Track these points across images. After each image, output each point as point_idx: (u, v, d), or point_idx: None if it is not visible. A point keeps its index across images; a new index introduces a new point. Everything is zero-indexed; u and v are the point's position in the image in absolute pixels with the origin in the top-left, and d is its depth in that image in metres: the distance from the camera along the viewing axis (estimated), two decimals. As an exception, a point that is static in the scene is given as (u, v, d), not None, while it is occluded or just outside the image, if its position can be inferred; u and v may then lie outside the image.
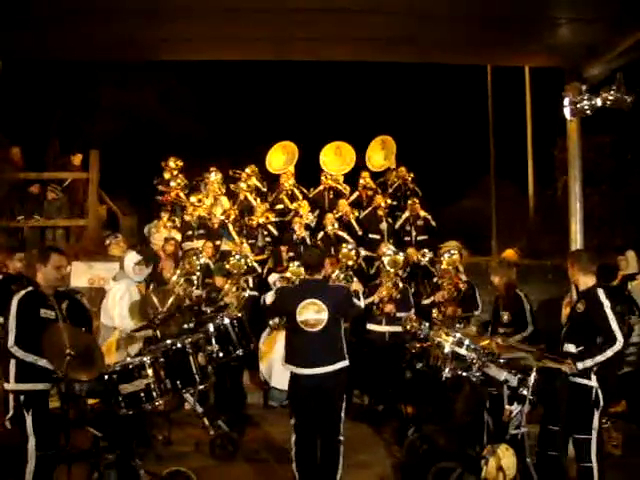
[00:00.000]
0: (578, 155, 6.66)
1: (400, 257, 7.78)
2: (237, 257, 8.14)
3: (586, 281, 4.95)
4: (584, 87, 5.73)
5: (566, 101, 5.80)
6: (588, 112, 5.56)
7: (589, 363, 4.68)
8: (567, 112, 5.82)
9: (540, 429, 5.06)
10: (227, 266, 8.01)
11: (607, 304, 4.76)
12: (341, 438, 5.07)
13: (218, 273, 8.26)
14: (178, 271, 7.13)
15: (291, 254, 9.65)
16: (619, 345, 4.66)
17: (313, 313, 4.98)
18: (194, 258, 7.45)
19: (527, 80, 13.98)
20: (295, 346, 5.16)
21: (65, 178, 11.68)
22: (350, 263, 8.15)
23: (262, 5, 5.59)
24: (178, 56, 7.90)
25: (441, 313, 7.33)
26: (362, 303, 5.37)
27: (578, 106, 5.65)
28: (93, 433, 4.58)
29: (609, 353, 4.65)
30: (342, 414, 5.10)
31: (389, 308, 7.48)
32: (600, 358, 4.66)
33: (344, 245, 8.59)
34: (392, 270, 7.60)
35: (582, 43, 6.27)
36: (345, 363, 5.11)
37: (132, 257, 6.37)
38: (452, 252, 7.71)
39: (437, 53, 7.11)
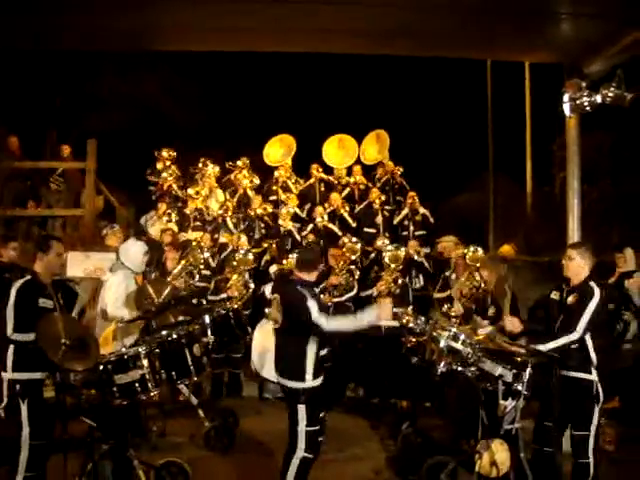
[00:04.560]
0: (577, 152, 6.67)
1: (402, 253, 7.79)
2: (243, 251, 8.16)
3: (582, 273, 4.90)
4: (584, 83, 5.71)
5: (565, 97, 5.78)
6: (588, 109, 5.55)
7: (541, 347, 4.68)
8: (566, 108, 5.81)
9: (536, 425, 5.05)
10: (234, 262, 8.03)
11: (596, 300, 4.72)
12: (300, 445, 4.50)
13: (228, 265, 8.28)
14: (182, 262, 7.14)
15: (285, 247, 9.66)
16: (574, 337, 4.65)
17: (274, 310, 4.72)
18: (198, 252, 7.44)
19: (527, 76, 13.97)
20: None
21: (61, 168, 11.66)
22: (354, 257, 8.18)
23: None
24: (177, 46, 7.92)
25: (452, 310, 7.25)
26: (326, 323, 4.48)
27: (577, 102, 5.64)
28: (88, 423, 4.57)
29: (562, 341, 4.67)
30: (299, 425, 4.52)
31: (387, 302, 7.46)
32: (552, 345, 4.67)
33: (348, 238, 8.61)
34: (393, 265, 7.60)
35: (582, 39, 6.27)
36: (297, 384, 4.53)
37: (140, 247, 6.30)
38: (476, 248, 7.57)
39: (436, 46, 7.10)
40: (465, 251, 7.61)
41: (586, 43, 6.30)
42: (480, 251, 7.50)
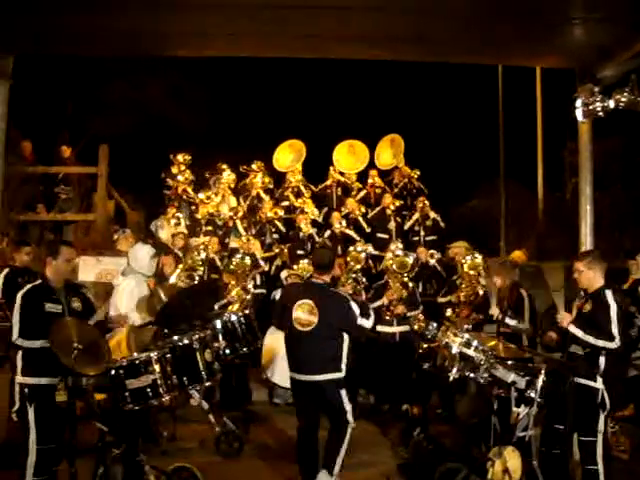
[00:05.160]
0: (589, 157, 6.63)
1: (409, 259, 7.77)
2: (240, 256, 8.15)
3: (595, 282, 4.91)
4: (597, 89, 5.66)
5: (578, 103, 5.73)
6: (600, 114, 5.49)
7: (580, 334, 4.68)
8: (579, 114, 5.75)
9: (544, 428, 5.03)
10: (231, 266, 8.02)
11: (614, 307, 4.72)
12: (349, 419, 5.02)
13: (226, 270, 8.27)
14: (180, 267, 7.13)
15: (300, 252, 9.66)
16: (614, 345, 4.62)
17: (305, 313, 4.96)
18: (195, 254, 7.41)
19: (538, 81, 13.91)
20: (289, 347, 5.16)
21: (72, 173, 11.70)
22: (358, 267, 8.15)
23: (274, 1, 5.58)
24: (186, 52, 7.96)
25: (455, 314, 7.26)
26: (369, 323, 5.15)
27: (590, 108, 5.58)
28: (100, 428, 4.58)
29: (601, 343, 4.63)
30: (345, 406, 5.02)
31: (400, 309, 7.46)
32: (592, 339, 4.65)
33: (353, 247, 8.60)
34: (400, 272, 7.58)
35: (595, 44, 6.24)
36: (335, 375, 4.99)
37: (148, 250, 6.33)
38: (476, 256, 7.63)
39: (447, 52, 7.08)
40: (463, 261, 7.62)
41: (599, 48, 6.26)
42: (479, 258, 7.52)
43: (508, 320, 6.16)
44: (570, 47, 6.46)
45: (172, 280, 7.07)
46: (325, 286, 5.12)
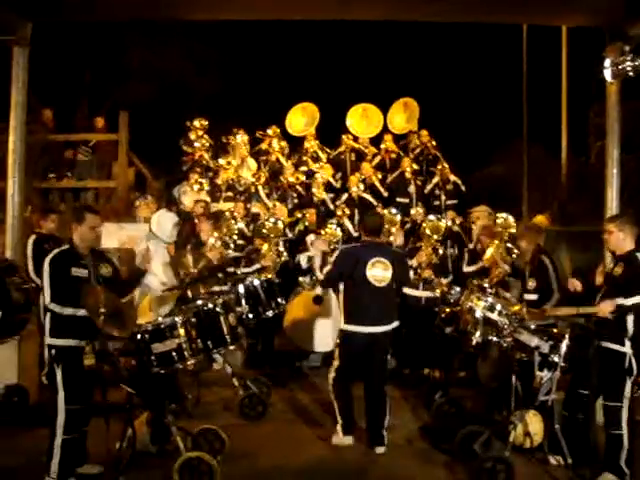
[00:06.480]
0: (617, 119, 6.48)
1: (442, 224, 7.73)
2: (272, 220, 8.16)
3: (625, 245, 4.83)
4: (627, 47, 5.50)
5: (607, 62, 5.60)
6: (631, 74, 5.36)
7: (621, 301, 4.61)
8: (607, 74, 5.62)
9: (567, 393, 5.03)
10: (264, 230, 8.04)
11: None
12: (385, 388, 5.55)
13: (258, 235, 8.30)
14: (216, 234, 7.16)
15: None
16: None
17: (381, 270, 5.38)
18: (232, 222, 7.42)
19: (564, 40, 13.53)
20: (358, 303, 5.45)
21: (93, 140, 11.77)
22: (394, 229, 8.19)
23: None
24: (204, 15, 7.85)
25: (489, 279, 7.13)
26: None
27: (620, 67, 5.46)
28: (127, 391, 4.67)
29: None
30: (386, 363, 5.70)
31: (427, 273, 7.43)
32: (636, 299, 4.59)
33: (387, 210, 8.63)
34: (435, 236, 7.54)
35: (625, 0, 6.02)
36: (397, 323, 5.60)
37: (170, 218, 6.37)
38: (506, 215, 7.49)
39: (470, 11, 6.90)
40: (497, 217, 7.52)
41: (629, 4, 6.04)
42: (511, 218, 7.41)
43: (527, 296, 6.08)
44: (599, 4, 6.24)
45: (206, 247, 7.08)
46: (387, 245, 5.72)
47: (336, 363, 5.56)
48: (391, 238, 8.03)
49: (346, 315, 5.51)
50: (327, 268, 6.33)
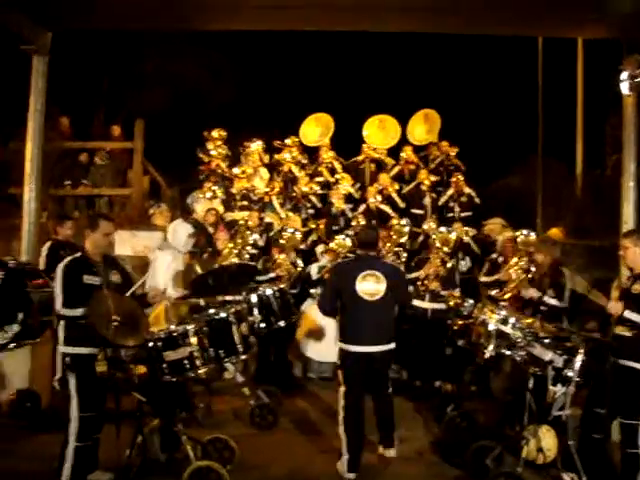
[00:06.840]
0: (634, 132, 6.43)
1: (452, 236, 7.69)
2: (290, 230, 8.16)
3: None
4: (644, 60, 5.47)
5: (624, 75, 5.57)
6: (648, 87, 5.32)
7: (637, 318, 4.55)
8: (624, 87, 5.60)
9: (584, 411, 4.96)
10: (281, 241, 8.05)
11: None
12: (390, 391, 5.38)
13: (275, 245, 8.31)
14: (231, 244, 7.17)
15: (334, 227, 9.65)
16: None
17: (373, 283, 5.11)
18: (248, 233, 7.43)
19: (580, 52, 13.47)
20: (352, 320, 5.17)
21: (108, 147, 11.87)
22: (402, 240, 8.12)
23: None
24: (222, 26, 7.91)
25: (501, 293, 7.08)
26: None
27: (637, 80, 5.41)
28: (138, 398, 4.68)
29: None
30: (388, 374, 5.45)
31: (434, 285, 7.39)
32: None
33: (397, 221, 8.55)
34: (444, 248, 7.51)
35: (643, 12, 5.98)
36: (393, 345, 5.25)
37: (186, 228, 6.43)
38: (528, 232, 7.45)
39: (486, 24, 6.92)
40: (517, 234, 7.47)
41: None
42: (533, 235, 7.35)
43: (547, 299, 6.04)
44: (616, 16, 6.21)
45: (221, 257, 7.09)
46: (381, 258, 5.52)
47: (342, 389, 5.22)
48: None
49: (341, 332, 5.31)
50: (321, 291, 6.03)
